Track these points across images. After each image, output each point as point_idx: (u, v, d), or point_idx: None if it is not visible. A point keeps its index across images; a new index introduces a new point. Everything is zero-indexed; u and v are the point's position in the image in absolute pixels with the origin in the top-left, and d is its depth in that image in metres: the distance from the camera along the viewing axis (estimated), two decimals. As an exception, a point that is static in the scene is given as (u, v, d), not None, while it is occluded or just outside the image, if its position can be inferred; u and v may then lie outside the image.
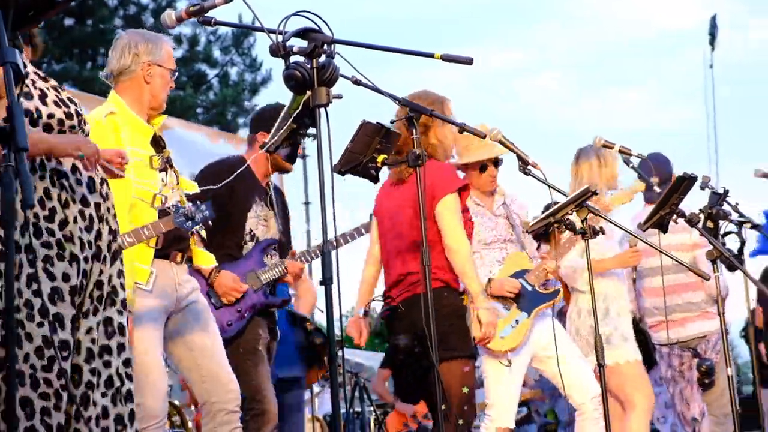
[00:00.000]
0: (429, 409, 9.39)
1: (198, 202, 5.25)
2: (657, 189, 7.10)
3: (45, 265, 3.93)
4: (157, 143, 5.47)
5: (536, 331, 6.56)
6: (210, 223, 5.30)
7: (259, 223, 6.36)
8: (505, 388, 6.41)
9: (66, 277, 3.98)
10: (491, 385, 6.44)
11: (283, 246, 6.50)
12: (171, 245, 5.40)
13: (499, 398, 6.42)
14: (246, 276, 6.19)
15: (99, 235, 4.11)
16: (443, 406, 5.57)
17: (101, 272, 4.12)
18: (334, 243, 6.52)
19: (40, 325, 3.87)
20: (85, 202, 4.08)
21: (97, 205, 4.12)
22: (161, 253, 5.36)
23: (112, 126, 5.27)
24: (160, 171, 5.41)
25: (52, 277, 3.94)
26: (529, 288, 6.58)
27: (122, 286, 4.21)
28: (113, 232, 4.20)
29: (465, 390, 5.68)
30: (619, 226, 6.16)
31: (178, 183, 5.51)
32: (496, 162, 6.67)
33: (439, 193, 5.78)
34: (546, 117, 74.58)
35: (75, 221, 4.02)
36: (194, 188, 5.73)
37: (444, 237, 5.77)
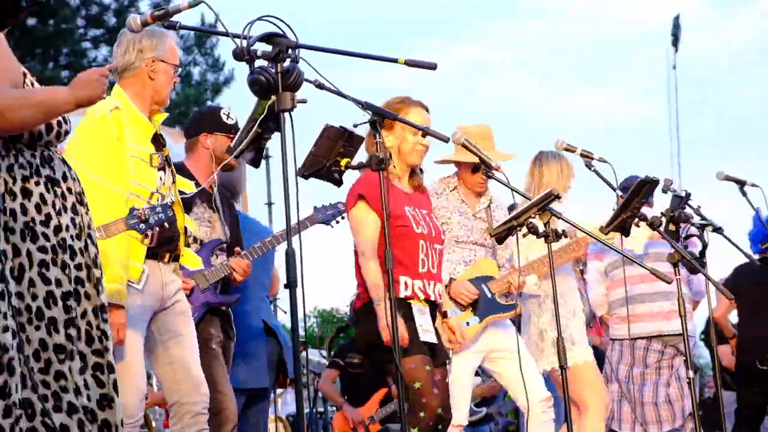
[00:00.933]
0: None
1: (155, 205, 5.23)
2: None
3: (41, 270, 3.95)
4: (157, 141, 5.47)
5: (491, 332, 6.63)
6: (166, 225, 5.28)
7: (201, 224, 6.33)
8: (453, 385, 6.43)
9: (58, 283, 4.01)
10: None
11: (231, 247, 6.47)
12: (163, 245, 5.40)
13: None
14: (193, 277, 6.16)
15: (86, 245, 4.13)
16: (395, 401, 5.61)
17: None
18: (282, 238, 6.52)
19: (38, 328, 3.92)
20: (75, 210, 4.10)
21: (84, 215, 4.15)
22: (151, 252, 5.35)
23: (116, 121, 5.26)
24: (159, 170, 5.41)
25: (47, 281, 3.97)
26: (489, 295, 6.62)
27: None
28: (96, 245, 4.22)
29: (417, 385, 5.65)
30: (581, 229, 6.17)
31: (174, 182, 5.52)
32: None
33: (348, 205, 5.93)
34: (530, 114, 74.41)
35: (67, 229, 4.04)
36: (191, 187, 5.73)
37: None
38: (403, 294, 5.80)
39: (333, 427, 10.53)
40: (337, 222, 6.76)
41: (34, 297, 3.92)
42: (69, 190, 4.11)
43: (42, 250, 3.96)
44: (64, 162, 4.14)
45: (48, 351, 3.93)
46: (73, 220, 4.08)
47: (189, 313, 5.58)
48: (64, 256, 4.02)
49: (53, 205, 4.02)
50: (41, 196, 3.99)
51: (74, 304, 4.04)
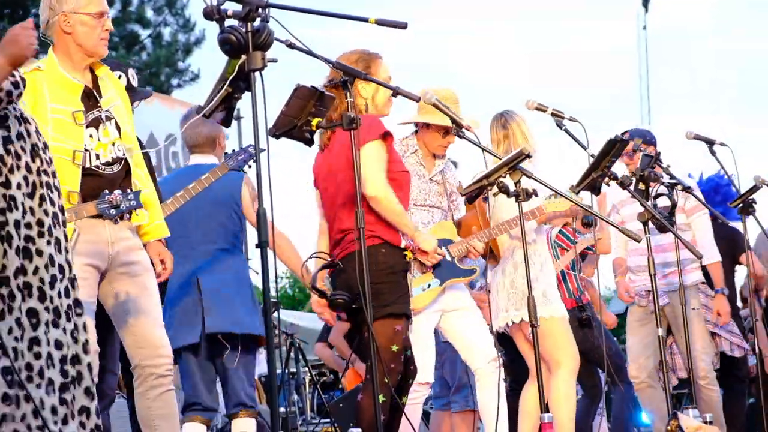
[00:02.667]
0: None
1: (128, 190, 5.17)
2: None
3: None
4: (89, 98, 5.32)
5: (447, 291, 6.68)
6: (137, 213, 5.23)
7: None
8: (416, 345, 6.42)
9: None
10: None
11: None
12: (87, 201, 5.22)
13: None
14: None
15: (41, 202, 4.10)
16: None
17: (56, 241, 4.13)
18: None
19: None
20: (28, 168, 4.07)
21: (40, 172, 4.12)
22: None
23: (31, 83, 5.01)
24: (88, 127, 5.26)
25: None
26: (449, 258, 6.65)
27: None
28: (54, 204, 4.18)
29: (394, 348, 5.61)
30: (553, 189, 6.16)
31: (120, 137, 5.35)
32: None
33: (360, 143, 5.70)
34: (503, 71, 74.22)
35: (18, 187, 4.01)
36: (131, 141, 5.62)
37: (363, 187, 5.50)
38: (403, 244, 5.80)
39: (344, 383, 10.53)
40: (249, 166, 6.51)
41: None
42: (23, 148, 4.07)
43: None
44: (21, 121, 4.10)
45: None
46: (25, 178, 4.05)
47: (150, 273, 5.44)
48: (13, 215, 4.00)
49: (4, 163, 3.99)
50: None
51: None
